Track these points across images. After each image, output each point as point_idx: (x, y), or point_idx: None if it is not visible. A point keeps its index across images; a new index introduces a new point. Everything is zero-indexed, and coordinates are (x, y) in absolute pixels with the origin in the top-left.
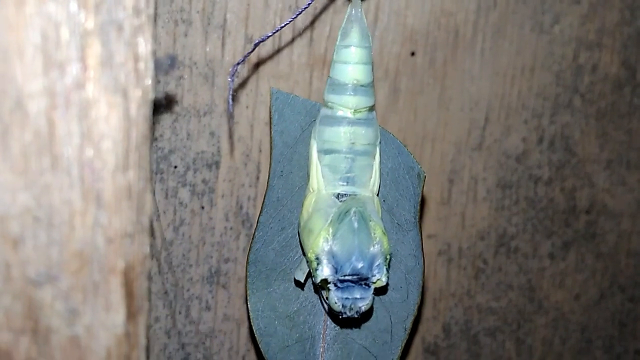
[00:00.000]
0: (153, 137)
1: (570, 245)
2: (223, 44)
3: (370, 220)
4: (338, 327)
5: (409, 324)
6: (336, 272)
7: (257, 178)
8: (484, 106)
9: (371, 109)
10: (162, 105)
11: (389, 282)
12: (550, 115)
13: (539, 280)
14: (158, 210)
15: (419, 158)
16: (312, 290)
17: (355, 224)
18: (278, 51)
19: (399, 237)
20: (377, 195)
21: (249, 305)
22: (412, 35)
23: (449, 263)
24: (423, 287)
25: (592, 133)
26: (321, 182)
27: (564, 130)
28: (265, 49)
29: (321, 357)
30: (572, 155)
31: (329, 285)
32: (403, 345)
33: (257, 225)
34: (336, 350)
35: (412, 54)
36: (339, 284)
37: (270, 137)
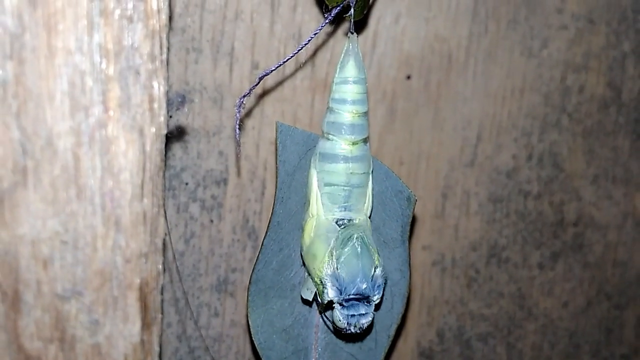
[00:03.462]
0: (166, 167)
1: (559, 255)
2: (231, 70)
3: (370, 245)
4: (327, 337)
5: (392, 332)
6: (341, 293)
7: (263, 194)
8: (476, 126)
9: (366, 140)
10: (174, 137)
11: None
12: (539, 134)
13: (528, 289)
14: (169, 224)
15: (414, 175)
16: (304, 304)
17: (359, 249)
18: (282, 76)
19: (385, 254)
20: (369, 217)
21: (249, 322)
22: (407, 60)
23: (443, 272)
24: (409, 298)
25: (579, 150)
26: (321, 209)
27: (552, 147)
28: (270, 75)
29: None
30: (560, 171)
31: (334, 305)
32: (386, 350)
33: (261, 248)
34: (326, 358)
35: (408, 77)
36: (344, 303)
37: (276, 167)
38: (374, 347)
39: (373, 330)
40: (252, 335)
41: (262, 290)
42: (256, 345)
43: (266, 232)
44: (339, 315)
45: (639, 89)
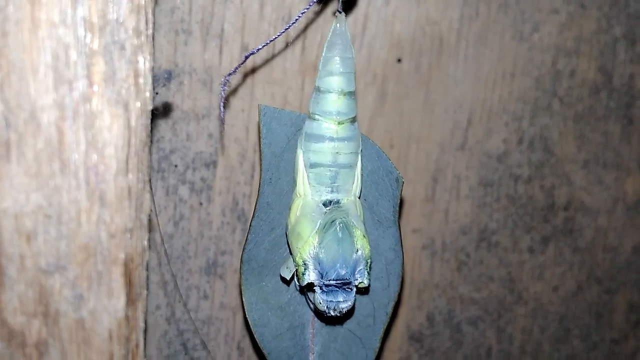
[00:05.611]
0: (153, 139)
1: (549, 240)
2: (220, 52)
3: (354, 228)
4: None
5: (390, 309)
6: (322, 277)
7: (252, 176)
8: (467, 109)
9: (353, 120)
10: (160, 114)
11: (371, 273)
12: (530, 118)
13: (518, 273)
14: (158, 206)
15: (404, 158)
16: (295, 286)
17: (340, 234)
18: (272, 58)
19: (380, 233)
20: (359, 197)
21: (243, 300)
22: (398, 43)
23: (433, 256)
24: (403, 276)
25: (570, 134)
26: (307, 189)
27: (543, 131)
28: (259, 57)
29: (311, 342)
30: (551, 155)
31: (314, 288)
32: (385, 327)
33: (249, 229)
34: (324, 335)
35: (399, 60)
36: (324, 288)
37: (260, 149)
38: (373, 323)
39: (371, 308)
40: (246, 313)
41: (254, 268)
42: (250, 323)
43: (254, 213)
44: (319, 298)
45: (629, 73)
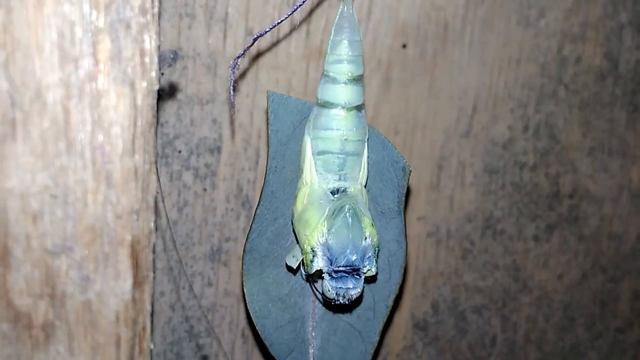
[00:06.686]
0: (158, 124)
1: (554, 228)
2: (225, 37)
3: (362, 216)
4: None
5: (390, 302)
6: (331, 264)
7: (257, 162)
8: (472, 95)
9: (360, 107)
10: (166, 94)
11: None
12: (536, 105)
13: (523, 261)
14: (162, 192)
15: (409, 145)
16: (301, 276)
17: (350, 220)
18: (276, 43)
19: (382, 224)
20: (365, 186)
21: (244, 290)
22: (403, 29)
23: (438, 244)
24: (405, 268)
25: (576, 122)
26: (314, 177)
27: (548, 119)
28: (264, 41)
29: (310, 335)
30: (556, 143)
31: (323, 275)
32: (384, 320)
33: (253, 218)
34: (324, 328)
35: (404, 46)
36: (333, 275)
37: (267, 136)
38: (372, 317)
39: (371, 301)
40: (247, 304)
41: (257, 259)
42: (251, 314)
43: (259, 202)
44: (328, 285)
45: (635, 60)
